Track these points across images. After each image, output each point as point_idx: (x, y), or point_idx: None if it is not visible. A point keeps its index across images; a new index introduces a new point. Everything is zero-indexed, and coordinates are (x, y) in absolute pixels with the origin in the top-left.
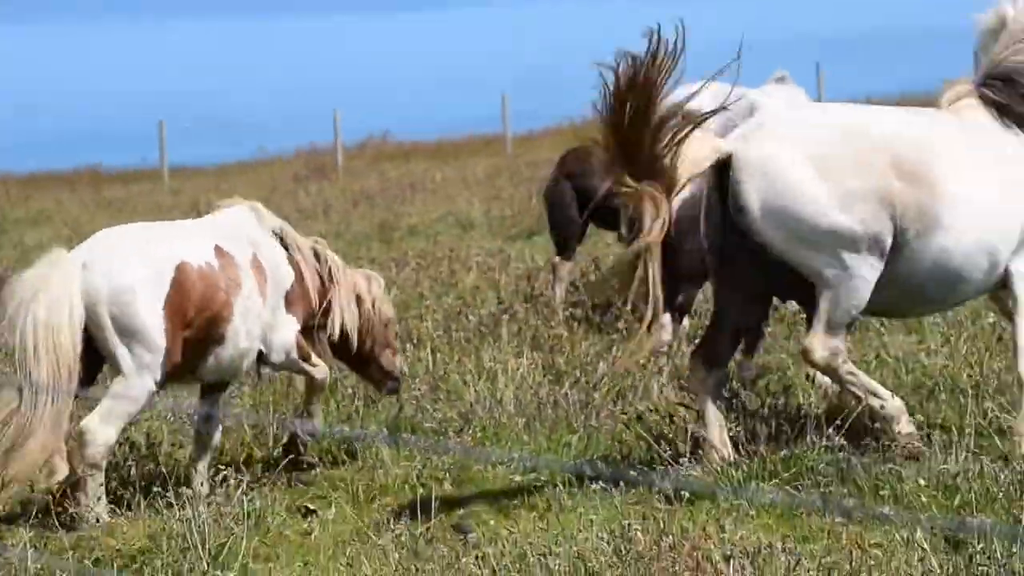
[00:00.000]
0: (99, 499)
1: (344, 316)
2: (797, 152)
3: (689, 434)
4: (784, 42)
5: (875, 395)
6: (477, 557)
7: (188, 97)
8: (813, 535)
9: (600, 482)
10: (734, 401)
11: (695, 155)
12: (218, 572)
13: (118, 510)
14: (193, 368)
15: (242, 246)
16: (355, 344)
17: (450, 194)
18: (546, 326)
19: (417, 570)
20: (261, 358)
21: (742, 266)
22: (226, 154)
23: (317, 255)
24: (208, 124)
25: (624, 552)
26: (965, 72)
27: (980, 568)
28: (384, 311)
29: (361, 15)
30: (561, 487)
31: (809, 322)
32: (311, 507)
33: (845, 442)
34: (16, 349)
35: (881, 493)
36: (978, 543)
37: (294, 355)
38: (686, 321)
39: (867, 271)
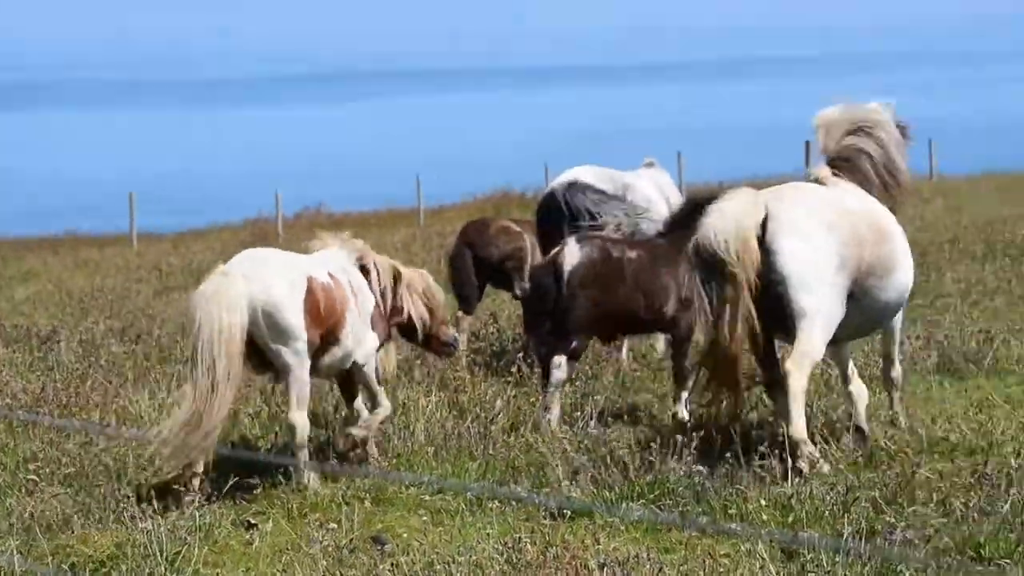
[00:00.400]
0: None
1: (413, 309)
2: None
3: (570, 461)
4: (650, 132)
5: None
6: (392, 565)
7: (154, 173)
8: (673, 547)
9: (496, 501)
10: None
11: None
12: None
13: (89, 522)
14: (316, 364)
15: (342, 274)
16: (421, 329)
17: None
18: (452, 370)
19: (341, 575)
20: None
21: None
22: (184, 223)
23: (383, 265)
24: (170, 199)
25: (515, 561)
26: (796, 159)
27: (810, 575)
28: (437, 297)
29: (301, 106)
30: (463, 506)
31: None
32: (252, 521)
33: (701, 468)
34: (199, 349)
35: (729, 511)
36: (808, 554)
37: (373, 364)
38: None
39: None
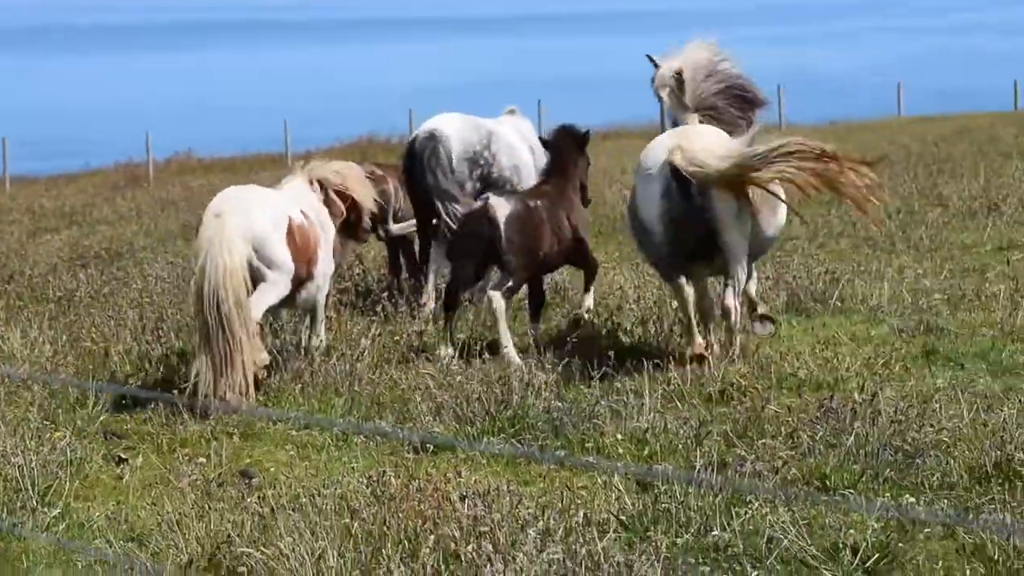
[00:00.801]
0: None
1: (366, 204)
2: None
3: (433, 397)
4: (511, 83)
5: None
6: (259, 497)
7: (26, 118)
8: (532, 480)
9: (361, 436)
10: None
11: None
12: (45, 509)
13: None
14: (291, 298)
15: (312, 211)
16: (357, 221)
17: None
18: None
19: (210, 508)
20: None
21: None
22: (57, 166)
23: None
24: (43, 142)
25: (380, 493)
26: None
27: (663, 505)
28: (366, 186)
29: (168, 53)
30: (329, 441)
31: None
32: (123, 456)
33: (559, 404)
34: (207, 287)
35: (587, 445)
36: (662, 485)
37: (326, 291)
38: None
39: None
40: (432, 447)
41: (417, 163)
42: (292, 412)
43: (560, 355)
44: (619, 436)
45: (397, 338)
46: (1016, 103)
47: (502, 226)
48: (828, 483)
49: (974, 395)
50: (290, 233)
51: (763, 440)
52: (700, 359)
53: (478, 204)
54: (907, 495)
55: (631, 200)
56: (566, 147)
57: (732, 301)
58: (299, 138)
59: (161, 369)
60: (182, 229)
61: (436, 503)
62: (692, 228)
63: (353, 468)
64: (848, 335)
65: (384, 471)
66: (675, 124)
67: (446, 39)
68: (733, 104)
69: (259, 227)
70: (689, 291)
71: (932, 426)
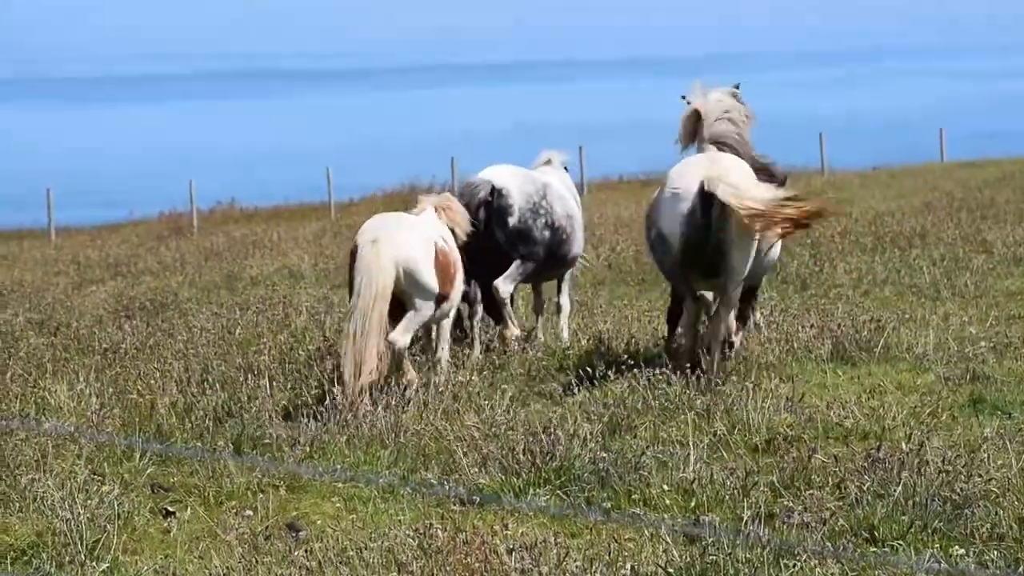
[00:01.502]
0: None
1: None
2: None
3: (478, 448)
4: (552, 128)
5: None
6: (306, 551)
7: (71, 168)
8: (579, 531)
9: (407, 488)
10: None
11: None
12: (94, 564)
13: (10, 511)
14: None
15: (447, 236)
16: None
17: (284, 251)
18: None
19: (257, 562)
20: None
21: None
22: (102, 216)
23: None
24: (88, 192)
25: (427, 546)
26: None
27: (710, 558)
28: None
29: (211, 102)
30: (376, 493)
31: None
32: (170, 509)
33: (604, 455)
34: (360, 305)
35: (633, 496)
36: (709, 537)
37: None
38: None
39: None
40: (478, 500)
41: (482, 219)
42: (337, 465)
43: (606, 404)
44: (665, 487)
45: (441, 390)
46: None
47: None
48: (876, 534)
49: (1022, 444)
50: (436, 258)
51: (810, 491)
52: (694, 365)
53: None
54: (956, 546)
55: (653, 212)
56: None
57: (726, 318)
58: (341, 186)
59: (207, 421)
60: (226, 279)
61: (483, 556)
62: (705, 248)
63: (400, 521)
64: (894, 384)
65: (431, 524)
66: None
67: (486, 85)
68: (740, 143)
69: (411, 253)
70: (694, 303)
71: (980, 476)
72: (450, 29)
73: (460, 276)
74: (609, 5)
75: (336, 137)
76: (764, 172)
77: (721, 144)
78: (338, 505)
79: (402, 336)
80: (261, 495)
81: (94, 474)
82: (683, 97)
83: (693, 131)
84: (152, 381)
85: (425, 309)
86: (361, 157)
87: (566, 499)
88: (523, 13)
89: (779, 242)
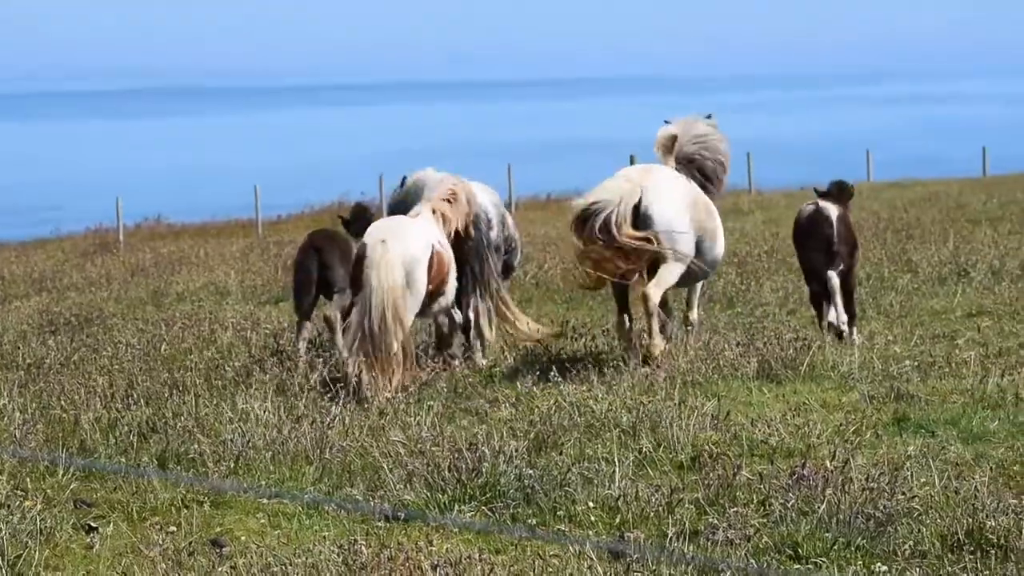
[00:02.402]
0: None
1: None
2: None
3: (404, 465)
4: (479, 147)
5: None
6: (230, 567)
7: None
8: (504, 547)
9: (332, 505)
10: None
11: None
12: None
13: None
14: (425, 310)
15: (441, 238)
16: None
17: (211, 267)
18: (289, 376)
19: None
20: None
21: None
22: (27, 233)
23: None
24: (13, 209)
25: (351, 563)
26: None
27: (635, 574)
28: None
29: (138, 120)
30: (300, 509)
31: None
32: (93, 525)
33: (530, 472)
34: (374, 301)
35: (558, 513)
36: (634, 554)
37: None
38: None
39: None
40: (404, 516)
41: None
42: (262, 481)
43: (532, 421)
44: (591, 504)
45: (366, 406)
46: (985, 169)
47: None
48: (800, 551)
49: (945, 462)
50: (431, 259)
51: (735, 508)
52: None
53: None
54: (879, 563)
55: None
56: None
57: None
58: (269, 204)
59: (131, 437)
60: (152, 295)
61: (408, 572)
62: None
63: (324, 537)
64: (819, 402)
65: (355, 540)
66: None
67: (414, 103)
68: (704, 162)
69: (413, 253)
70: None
71: (904, 494)
72: (379, 47)
73: (453, 275)
74: (538, 26)
75: (265, 155)
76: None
77: (689, 162)
78: (262, 521)
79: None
80: (185, 511)
81: (16, 489)
82: (666, 121)
83: (669, 149)
84: (76, 396)
85: (416, 303)
86: (290, 175)
87: (491, 516)
88: (452, 33)
89: (720, 241)
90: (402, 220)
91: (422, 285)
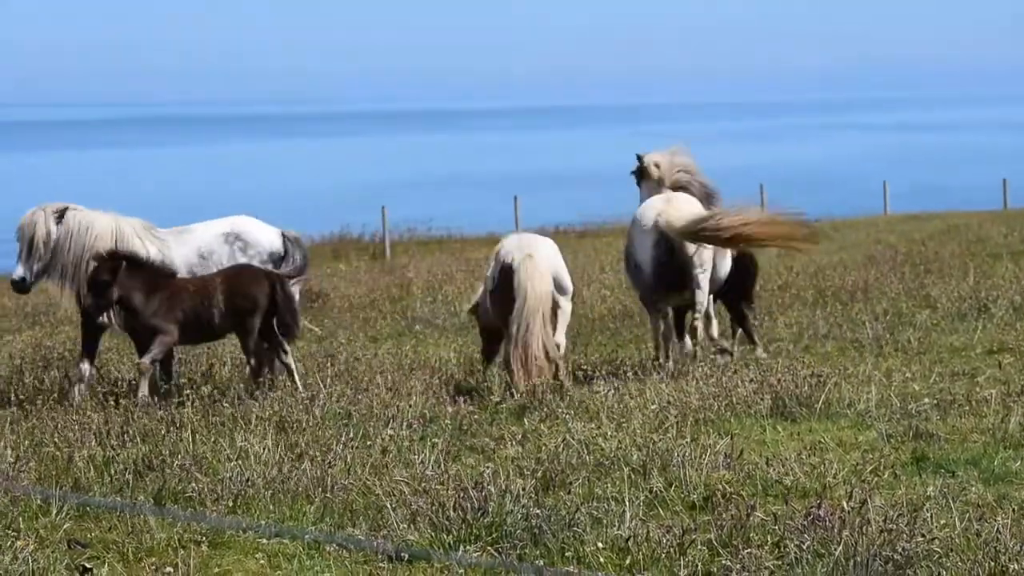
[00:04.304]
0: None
1: None
2: None
3: (408, 504)
4: (485, 177)
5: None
6: None
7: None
8: None
9: (334, 545)
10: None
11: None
12: None
13: None
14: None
15: None
16: None
17: None
18: (289, 413)
19: None
20: None
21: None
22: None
23: None
24: (4, 241)
25: None
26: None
27: None
28: None
29: (134, 149)
30: (301, 549)
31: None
32: (88, 566)
33: (538, 511)
34: (527, 307)
35: (567, 554)
36: None
37: None
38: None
39: None
40: (408, 557)
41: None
42: (262, 520)
43: (539, 459)
44: (600, 544)
45: (369, 443)
46: (1006, 202)
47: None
48: None
49: (966, 503)
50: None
51: (749, 549)
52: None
53: None
54: None
55: (628, 247)
56: None
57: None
58: None
59: (127, 475)
60: None
61: None
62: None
63: None
64: (835, 440)
65: None
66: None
67: (418, 133)
68: (694, 187)
69: (557, 263)
70: (664, 320)
71: (923, 535)
72: (383, 75)
73: None
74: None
75: (264, 184)
76: (711, 199)
77: (682, 189)
78: (262, 562)
79: (563, 337)
80: (182, 551)
81: (8, 529)
82: (638, 156)
83: (659, 179)
84: (70, 433)
85: (568, 308)
86: (287, 206)
87: (498, 556)
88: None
89: (728, 260)
90: (533, 236)
91: (569, 290)
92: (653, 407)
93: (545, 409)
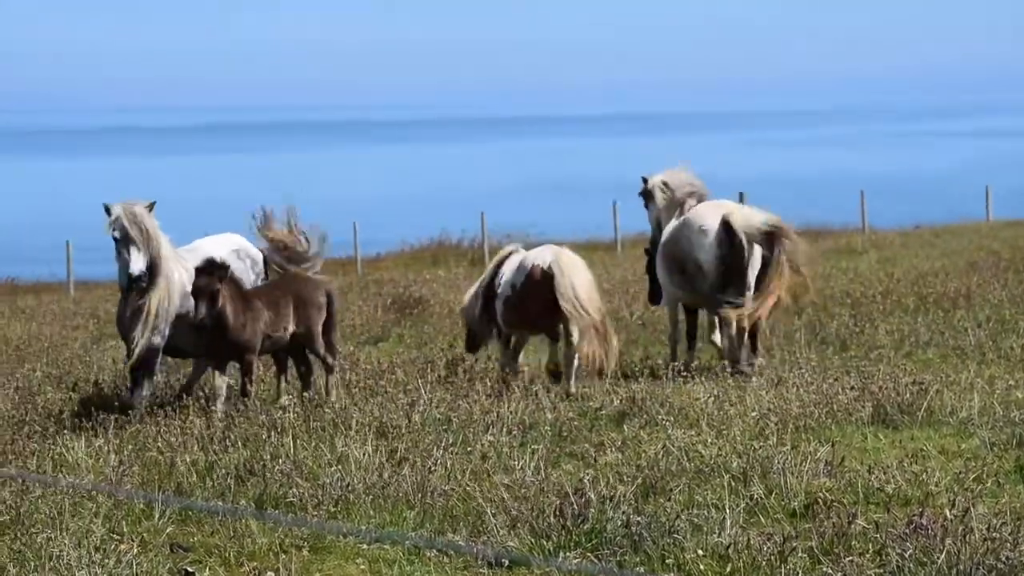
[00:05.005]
0: None
1: None
2: None
3: (508, 510)
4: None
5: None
6: None
7: (89, 222)
8: None
9: (434, 551)
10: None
11: None
12: None
13: (25, 571)
14: None
15: None
16: None
17: None
18: (389, 418)
19: None
20: None
21: None
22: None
23: None
24: (106, 246)
25: None
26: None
27: None
28: None
29: (226, 155)
30: (401, 555)
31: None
32: (190, 570)
33: (638, 518)
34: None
35: (667, 561)
36: None
37: None
38: None
39: None
40: (507, 562)
41: None
42: (362, 525)
43: (639, 466)
44: (700, 552)
45: (469, 449)
46: None
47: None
48: None
49: None
50: None
51: (850, 557)
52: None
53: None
54: None
55: (677, 250)
56: None
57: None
58: (368, 240)
59: (229, 479)
60: None
61: None
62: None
63: None
64: (937, 448)
65: None
66: (658, 219)
67: (518, 138)
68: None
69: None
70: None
71: None
72: (483, 82)
73: None
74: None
75: (363, 190)
76: None
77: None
78: (363, 567)
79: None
80: (283, 555)
81: (111, 533)
82: (644, 178)
83: (670, 197)
84: (172, 438)
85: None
86: (389, 211)
87: (598, 563)
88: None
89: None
90: (561, 248)
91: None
92: (753, 414)
93: (645, 416)
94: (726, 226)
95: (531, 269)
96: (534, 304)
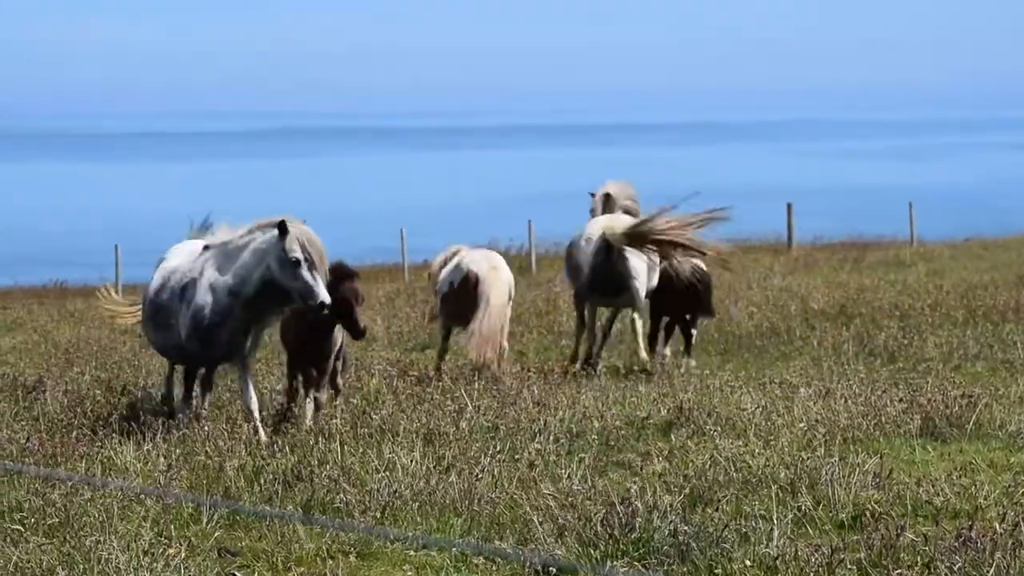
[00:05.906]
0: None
1: None
2: None
3: (555, 518)
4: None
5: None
6: None
7: (137, 227)
8: None
9: (481, 558)
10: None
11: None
12: None
13: (74, 573)
14: None
15: None
16: None
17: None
18: (436, 425)
19: None
20: None
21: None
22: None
23: None
24: (154, 250)
25: None
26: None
27: None
28: None
29: (279, 159)
30: (448, 562)
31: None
32: (237, 574)
33: (685, 528)
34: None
35: (715, 571)
36: None
37: None
38: None
39: None
40: (555, 570)
41: None
42: (409, 532)
43: (686, 476)
44: (748, 562)
45: (516, 456)
46: None
47: None
48: None
49: None
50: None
51: (899, 570)
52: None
53: None
54: None
55: (573, 253)
56: None
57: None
58: (416, 247)
59: (276, 484)
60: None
61: None
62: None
63: None
64: (986, 462)
65: None
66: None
67: (562, 147)
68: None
69: (510, 277)
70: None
71: None
72: (526, 90)
73: None
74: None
75: (410, 197)
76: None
77: (627, 213)
78: (410, 573)
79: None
80: (331, 561)
81: (160, 536)
82: (592, 193)
83: (610, 206)
84: (221, 443)
85: (508, 313)
86: (436, 218)
87: (645, 572)
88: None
89: (657, 273)
90: (489, 252)
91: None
92: (801, 425)
93: (692, 426)
94: (601, 236)
95: (466, 272)
96: (464, 303)
